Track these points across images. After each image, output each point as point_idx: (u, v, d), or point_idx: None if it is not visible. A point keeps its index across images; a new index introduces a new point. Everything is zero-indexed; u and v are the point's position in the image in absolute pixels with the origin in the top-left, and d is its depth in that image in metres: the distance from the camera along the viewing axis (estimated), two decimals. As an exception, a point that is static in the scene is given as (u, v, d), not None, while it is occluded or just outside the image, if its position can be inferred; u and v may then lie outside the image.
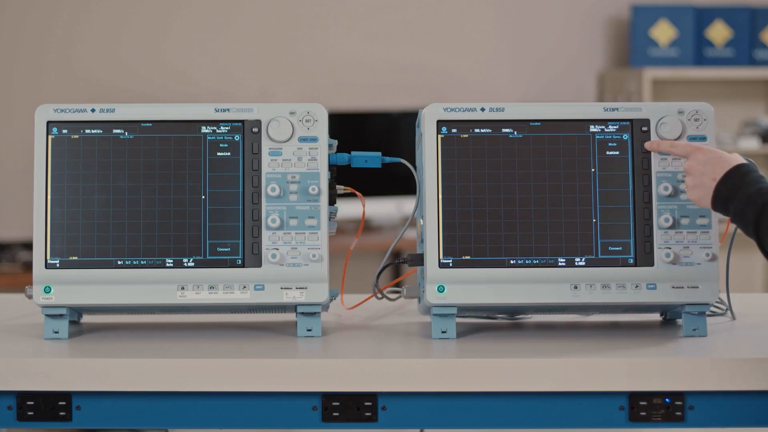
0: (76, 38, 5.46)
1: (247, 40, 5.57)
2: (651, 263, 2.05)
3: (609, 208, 2.07)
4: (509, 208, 2.07)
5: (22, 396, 1.91)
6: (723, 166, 1.93)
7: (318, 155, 2.09)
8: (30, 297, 2.06)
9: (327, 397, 1.90)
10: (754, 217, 1.85)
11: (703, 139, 2.08)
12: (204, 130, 2.10)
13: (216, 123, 2.10)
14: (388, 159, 2.16)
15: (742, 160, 1.94)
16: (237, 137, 2.09)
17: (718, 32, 5.62)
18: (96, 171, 2.08)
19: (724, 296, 2.24)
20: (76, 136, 2.09)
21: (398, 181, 5.23)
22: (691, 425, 1.90)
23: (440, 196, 2.07)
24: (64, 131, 2.09)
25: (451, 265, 2.05)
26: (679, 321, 2.15)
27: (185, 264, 2.06)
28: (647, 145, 2.06)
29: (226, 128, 2.10)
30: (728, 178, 1.91)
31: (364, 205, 2.21)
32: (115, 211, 2.07)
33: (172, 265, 2.06)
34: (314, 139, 2.09)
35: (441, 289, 2.04)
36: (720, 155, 1.95)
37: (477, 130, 2.09)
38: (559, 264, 2.06)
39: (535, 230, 2.07)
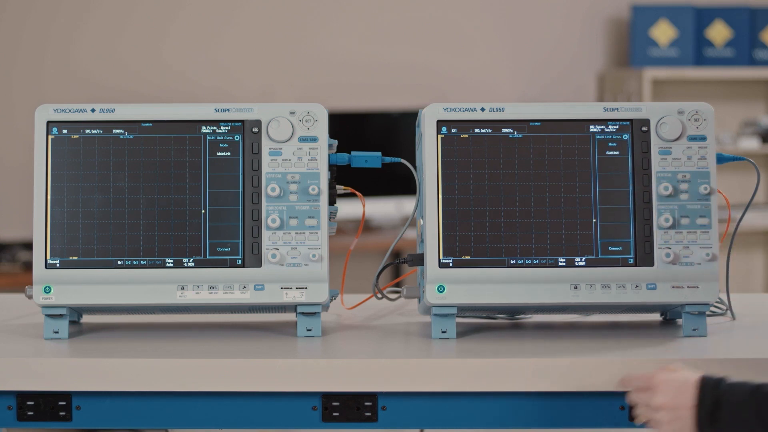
0: (76, 38, 5.46)
1: (247, 40, 5.57)
2: (651, 263, 2.05)
3: (609, 208, 2.07)
4: (509, 208, 2.07)
5: (22, 396, 1.91)
6: (689, 389, 1.74)
7: (318, 155, 2.09)
8: (30, 297, 2.06)
9: (327, 397, 1.90)
10: (755, 412, 1.67)
11: (703, 139, 2.08)
12: (204, 130, 2.10)
13: (216, 123, 2.10)
14: (388, 159, 2.16)
15: (699, 374, 1.77)
16: (237, 137, 2.09)
17: (718, 32, 5.62)
18: (96, 171, 2.08)
19: (724, 296, 2.24)
20: (76, 136, 2.09)
21: (398, 181, 5.23)
22: (691, 425, 1.89)
23: (440, 196, 2.07)
24: (64, 131, 2.09)
25: (451, 265, 2.05)
26: (679, 321, 2.15)
27: (185, 264, 2.06)
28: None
29: (226, 128, 2.10)
30: (704, 402, 1.73)
31: (364, 205, 2.21)
32: (115, 211, 2.07)
33: (172, 265, 2.06)
34: (314, 139, 2.09)
35: (441, 289, 2.04)
36: (684, 380, 1.75)
37: (477, 130, 2.09)
38: (559, 264, 2.06)
39: (535, 230, 2.07)
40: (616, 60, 5.82)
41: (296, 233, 2.07)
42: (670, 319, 2.19)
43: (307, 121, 2.10)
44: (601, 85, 5.79)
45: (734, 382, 1.71)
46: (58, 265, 2.06)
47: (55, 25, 5.44)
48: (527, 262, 2.06)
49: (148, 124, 2.09)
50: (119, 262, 2.06)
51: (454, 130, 2.09)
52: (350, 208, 4.53)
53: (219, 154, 2.09)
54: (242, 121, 2.10)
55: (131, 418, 1.91)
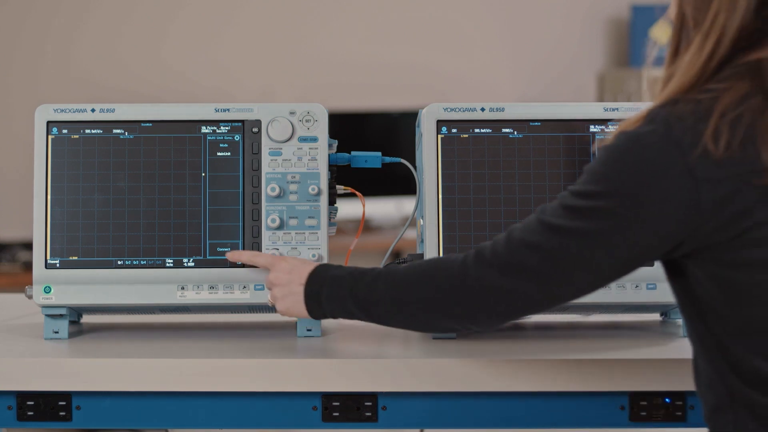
0: (76, 38, 5.46)
1: (247, 40, 5.57)
2: (651, 263, 2.05)
3: (609, 208, 2.07)
4: (509, 208, 2.07)
5: (22, 396, 1.91)
6: (307, 269, 1.88)
7: (318, 155, 2.09)
8: (30, 297, 2.06)
9: (327, 397, 1.90)
10: (348, 289, 1.81)
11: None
12: (204, 130, 2.10)
13: (216, 123, 2.10)
14: (388, 159, 2.16)
15: (324, 263, 1.93)
16: (237, 137, 2.09)
17: (718, 32, 5.61)
18: (96, 171, 2.08)
19: (724, 296, 2.23)
20: (76, 136, 2.09)
21: (398, 181, 5.23)
22: (692, 425, 1.90)
23: (440, 196, 2.07)
24: (64, 131, 2.09)
25: (451, 265, 2.05)
26: (679, 321, 2.15)
27: (185, 264, 2.06)
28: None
29: (226, 128, 2.10)
30: (314, 275, 1.87)
31: (364, 205, 2.21)
32: (115, 211, 2.07)
33: (172, 265, 2.06)
34: (314, 139, 2.09)
35: (441, 289, 2.03)
36: (303, 260, 1.94)
37: (477, 130, 2.09)
38: (559, 264, 2.05)
39: (535, 230, 2.06)
40: (616, 60, 5.83)
41: (296, 233, 2.07)
42: (670, 319, 2.19)
43: (307, 121, 2.10)
44: (601, 85, 5.79)
45: (346, 266, 1.87)
46: (58, 265, 2.06)
47: (54, 25, 5.45)
48: (527, 262, 2.06)
49: (148, 124, 2.10)
50: (119, 262, 2.07)
51: (454, 130, 2.09)
52: (350, 208, 4.53)
53: (219, 154, 2.09)
54: (242, 121, 2.10)
55: (131, 418, 1.91)
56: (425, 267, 1.75)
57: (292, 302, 1.89)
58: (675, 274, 1.60)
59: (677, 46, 1.60)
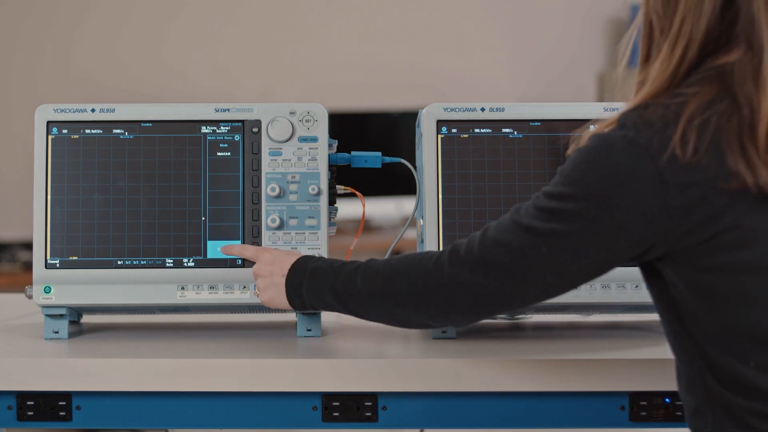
0: (76, 38, 5.46)
1: (247, 40, 5.57)
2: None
3: (609, 208, 2.07)
4: (509, 208, 2.07)
5: (22, 396, 1.91)
6: (289, 260, 1.90)
7: (318, 155, 2.09)
8: (30, 297, 2.06)
9: (327, 397, 1.90)
10: (328, 281, 1.83)
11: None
12: (204, 130, 2.10)
13: (216, 123, 2.10)
14: (388, 159, 2.16)
15: (306, 254, 1.94)
16: (237, 137, 2.09)
17: (718, 32, 5.62)
18: (96, 171, 2.08)
19: (724, 296, 2.24)
20: (76, 136, 2.09)
21: (398, 181, 5.23)
22: (691, 425, 1.89)
23: (440, 196, 2.07)
24: (64, 131, 2.09)
25: (451, 265, 2.05)
26: (679, 321, 2.15)
27: (185, 264, 2.06)
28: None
29: (226, 128, 2.10)
30: (296, 267, 1.89)
31: (364, 205, 2.21)
32: (115, 211, 2.07)
33: (172, 265, 2.06)
34: (314, 139, 2.09)
35: (441, 289, 2.03)
36: (286, 252, 1.95)
37: (477, 130, 2.09)
38: (559, 264, 2.05)
39: (535, 230, 2.06)
40: (616, 60, 5.82)
41: (296, 233, 2.07)
42: (670, 319, 2.19)
43: (307, 121, 2.10)
44: (601, 85, 5.79)
45: (327, 258, 1.89)
46: (58, 265, 2.06)
47: (54, 25, 5.44)
48: (527, 262, 2.06)
49: (148, 124, 2.10)
50: (119, 262, 2.07)
51: (454, 130, 2.09)
52: (350, 208, 4.53)
53: (219, 154, 2.09)
54: (242, 121, 2.10)
55: (131, 418, 1.91)
56: (402, 262, 1.76)
57: (274, 293, 1.91)
58: (651, 276, 1.60)
59: (648, 52, 1.62)
